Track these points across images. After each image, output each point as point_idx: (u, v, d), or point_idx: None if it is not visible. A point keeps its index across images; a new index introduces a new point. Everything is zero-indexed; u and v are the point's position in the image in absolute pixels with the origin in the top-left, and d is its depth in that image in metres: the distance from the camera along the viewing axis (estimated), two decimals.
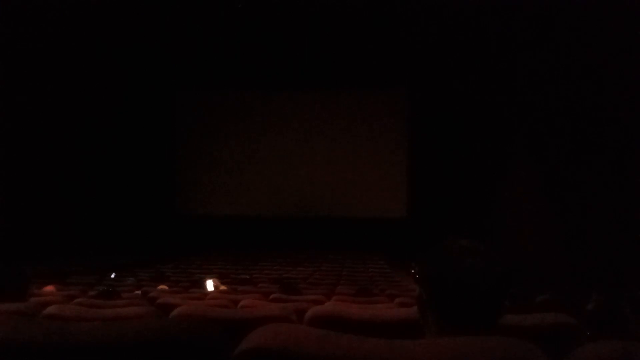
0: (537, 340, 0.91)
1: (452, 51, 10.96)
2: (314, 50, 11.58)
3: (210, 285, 4.71)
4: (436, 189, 12.28)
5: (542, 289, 4.25)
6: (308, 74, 12.48)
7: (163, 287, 4.84)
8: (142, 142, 12.97)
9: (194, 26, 10.51)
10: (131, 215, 12.32)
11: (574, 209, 7.73)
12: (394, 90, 13.44)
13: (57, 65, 10.05)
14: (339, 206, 13.19)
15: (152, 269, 7.69)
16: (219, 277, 5.27)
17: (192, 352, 0.91)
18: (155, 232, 12.47)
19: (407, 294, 3.72)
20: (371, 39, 11.05)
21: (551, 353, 0.87)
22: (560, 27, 8.03)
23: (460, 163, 11.82)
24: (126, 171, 12.56)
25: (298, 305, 2.52)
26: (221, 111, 13.76)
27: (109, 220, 11.71)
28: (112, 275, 6.23)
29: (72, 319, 1.88)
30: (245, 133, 13.68)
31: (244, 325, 1.80)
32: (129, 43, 11.00)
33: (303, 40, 11.14)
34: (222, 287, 4.70)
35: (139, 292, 5.74)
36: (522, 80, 9.62)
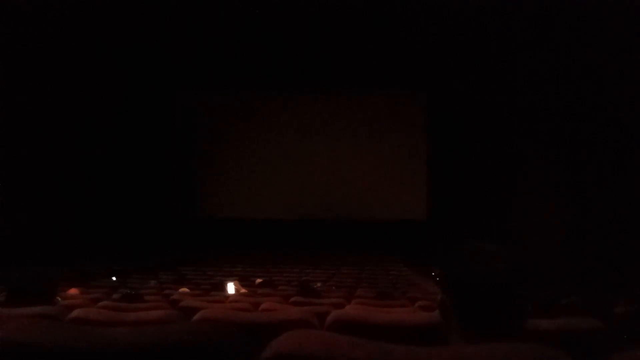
0: (565, 346, 0.89)
1: (471, 52, 10.85)
2: (333, 53, 11.60)
3: (231, 288, 4.74)
4: (456, 191, 12.15)
5: (567, 292, 4.16)
6: (327, 76, 12.49)
7: (184, 289, 4.89)
8: (164, 146, 13.16)
9: (209, 28, 10.57)
10: (152, 218, 12.49)
11: (597, 210, 7.58)
12: (413, 92, 13.37)
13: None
14: (358, 208, 13.16)
15: (172, 271, 7.78)
16: (240, 281, 5.30)
17: (217, 357, 0.91)
18: (175, 235, 12.63)
19: (428, 298, 3.69)
20: (390, 42, 11.01)
21: None
22: (577, 27, 7.90)
23: (480, 164, 11.69)
24: (148, 174, 12.74)
25: (319, 309, 2.52)
26: (242, 115, 13.88)
27: (130, 223, 11.89)
28: (113, 279, 6.31)
29: (97, 322, 1.91)
30: (267, 136, 13.76)
31: (266, 329, 1.81)
32: (139, 44, 11.09)
33: (321, 43, 11.17)
34: (243, 290, 4.72)
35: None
36: (543, 81, 9.47)
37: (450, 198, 12.27)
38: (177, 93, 13.55)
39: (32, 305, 2.14)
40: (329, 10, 9.55)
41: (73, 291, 4.26)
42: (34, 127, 9.49)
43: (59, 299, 2.95)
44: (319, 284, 5.75)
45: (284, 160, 13.68)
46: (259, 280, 6.01)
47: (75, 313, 2.06)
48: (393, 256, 10.75)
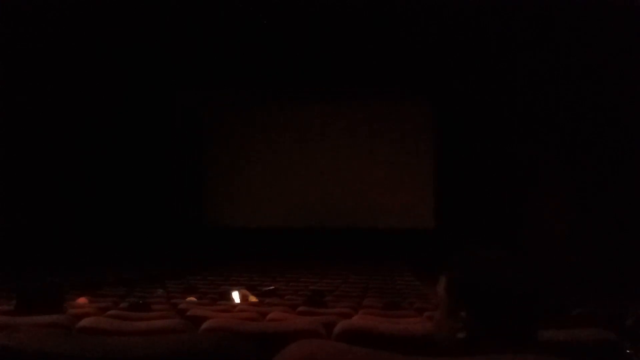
0: (575, 357, 0.88)
1: (476, 58, 10.85)
2: (339, 61, 11.65)
3: (236, 297, 4.74)
4: (464, 199, 12.09)
5: (577, 302, 4.11)
6: (333, 85, 12.55)
7: (192, 298, 4.89)
8: (172, 155, 13.23)
9: (223, 42, 10.69)
10: (161, 227, 12.53)
11: (607, 216, 7.50)
12: (419, 99, 13.37)
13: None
14: (365, 217, 13.12)
15: (180, 280, 7.79)
16: (247, 289, 5.29)
17: None
18: (183, 243, 12.65)
19: (436, 308, 3.65)
20: (396, 47, 11.05)
21: None
22: (581, 28, 7.88)
23: (488, 171, 11.63)
24: (156, 183, 12.81)
25: (326, 319, 2.51)
26: (249, 124, 13.97)
27: (139, 231, 11.93)
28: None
29: (105, 331, 1.92)
30: (273, 145, 13.81)
31: (274, 339, 1.81)
32: (158, 56, 11.23)
33: (327, 53, 11.23)
34: (253, 299, 4.71)
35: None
36: (553, 85, 9.42)
37: (458, 205, 12.20)
38: (181, 101, 13.59)
39: (42, 314, 2.16)
40: (334, 14, 9.61)
41: (81, 300, 4.28)
42: (35, 130, 9.53)
43: (68, 308, 2.97)
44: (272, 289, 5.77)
45: (289, 168, 13.71)
46: (270, 288, 6.01)
47: (83, 322, 2.07)
48: (400, 265, 10.68)
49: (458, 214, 12.11)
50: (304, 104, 13.68)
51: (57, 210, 9.85)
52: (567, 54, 8.48)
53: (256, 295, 5.20)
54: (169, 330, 1.90)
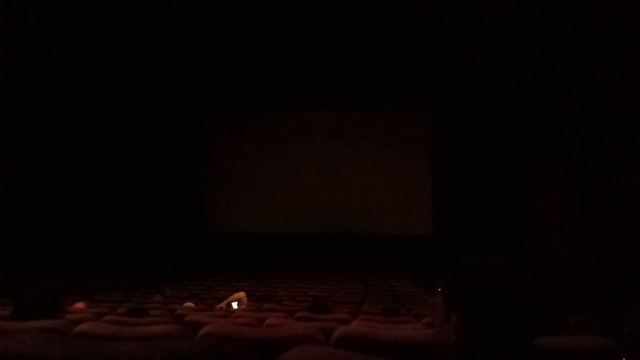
0: None
1: (472, 66, 10.90)
2: (337, 69, 11.71)
3: (234, 304, 4.73)
4: (462, 206, 12.09)
5: (575, 309, 4.10)
6: (331, 92, 12.59)
7: (189, 304, 4.87)
8: (169, 160, 13.23)
9: (220, 48, 10.77)
10: (158, 233, 12.50)
11: (607, 223, 7.50)
12: (417, 106, 13.41)
13: (87, 85, 10.30)
14: (363, 224, 13.11)
15: (178, 286, 7.77)
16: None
17: None
18: (181, 250, 12.62)
19: (434, 314, 3.65)
20: (393, 58, 11.11)
21: None
22: (584, 38, 7.91)
23: (486, 179, 11.64)
24: (153, 189, 12.80)
25: (324, 325, 2.50)
26: (246, 130, 13.96)
27: (136, 237, 11.91)
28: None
29: (103, 337, 1.91)
30: (270, 151, 13.82)
31: (272, 345, 1.80)
32: (157, 62, 11.32)
33: (325, 59, 11.29)
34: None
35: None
36: (552, 93, 9.45)
37: (456, 212, 12.21)
38: (180, 107, 13.59)
39: (39, 319, 2.15)
40: (331, 21, 9.69)
41: (79, 305, 4.26)
42: (33, 134, 9.55)
43: (65, 313, 2.96)
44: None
45: (288, 175, 13.70)
46: (267, 294, 5.98)
47: (80, 327, 2.06)
48: (398, 271, 10.67)
49: (456, 221, 12.11)
50: (301, 110, 13.71)
51: (55, 215, 9.84)
52: (565, 56, 8.51)
53: (254, 301, 5.19)
54: (166, 336, 1.90)
